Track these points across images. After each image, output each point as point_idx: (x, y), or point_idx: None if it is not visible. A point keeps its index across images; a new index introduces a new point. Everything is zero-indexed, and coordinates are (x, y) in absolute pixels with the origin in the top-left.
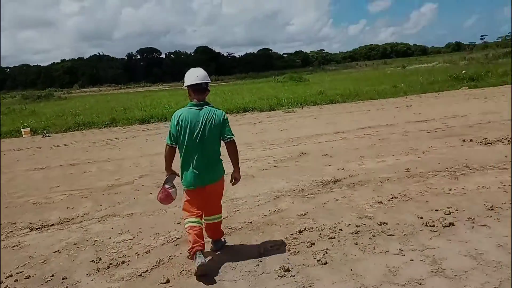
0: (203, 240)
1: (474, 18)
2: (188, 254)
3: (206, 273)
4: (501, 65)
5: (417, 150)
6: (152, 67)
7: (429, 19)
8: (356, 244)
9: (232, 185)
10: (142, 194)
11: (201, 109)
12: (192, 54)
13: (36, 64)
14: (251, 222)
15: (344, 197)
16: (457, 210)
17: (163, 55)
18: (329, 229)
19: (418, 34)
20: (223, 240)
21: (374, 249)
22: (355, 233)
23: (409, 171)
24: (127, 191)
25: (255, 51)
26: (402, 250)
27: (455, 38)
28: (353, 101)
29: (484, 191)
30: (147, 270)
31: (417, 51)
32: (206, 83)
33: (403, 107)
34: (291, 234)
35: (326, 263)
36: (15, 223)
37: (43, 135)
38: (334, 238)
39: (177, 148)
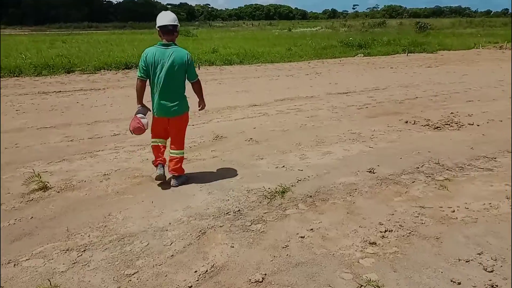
0: (163, 156)
1: None
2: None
3: (163, 181)
4: (378, 34)
5: (361, 135)
6: (8, 7)
7: None
8: None
9: (200, 110)
10: None
11: (167, 48)
12: None
13: None
14: None
15: (311, 229)
16: (483, 250)
17: None
18: None
19: None
20: (185, 176)
21: None
22: None
23: (373, 172)
24: None
25: None
26: None
27: (330, 5)
28: (253, 64)
29: (496, 212)
30: None
31: (297, 15)
32: (173, 26)
33: (313, 74)
34: None
35: None
36: None
37: None
38: None
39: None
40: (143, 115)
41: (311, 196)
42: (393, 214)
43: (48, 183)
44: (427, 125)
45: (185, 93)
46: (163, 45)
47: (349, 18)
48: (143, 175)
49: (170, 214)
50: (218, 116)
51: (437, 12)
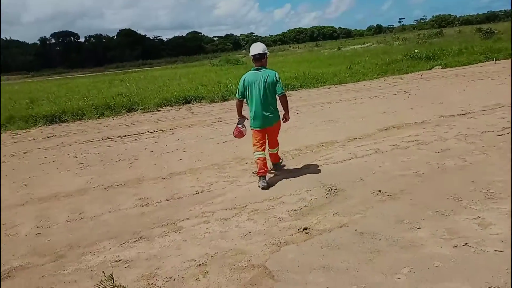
0: (267, 168)
1: (389, 3)
2: (254, 173)
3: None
4: (441, 44)
5: None
6: (70, 52)
7: (348, 4)
8: None
9: (283, 122)
10: None
11: (259, 72)
12: (115, 37)
13: None
14: None
15: None
16: None
17: (82, 39)
18: None
19: (339, 19)
20: (280, 162)
21: None
22: None
23: None
24: None
25: (183, 35)
26: None
27: (373, 21)
28: (318, 87)
29: None
30: None
31: (342, 34)
32: (260, 54)
33: (402, 93)
34: None
35: None
36: None
37: None
38: None
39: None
40: (242, 125)
41: None
42: None
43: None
44: None
45: (277, 106)
46: (255, 69)
47: (397, 32)
48: (253, 264)
49: None
50: (316, 157)
51: (491, 18)
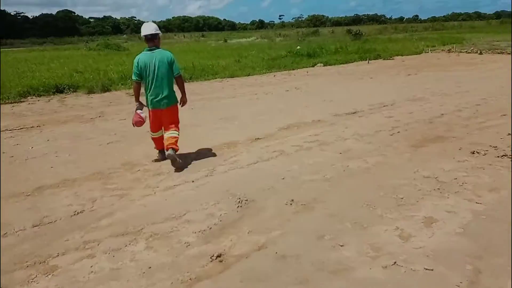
0: (163, 145)
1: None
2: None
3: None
4: (319, 42)
5: (441, 181)
6: None
7: None
8: None
9: (181, 106)
10: None
11: (153, 52)
12: None
13: None
14: None
15: None
16: None
17: None
18: None
19: (223, 10)
20: (177, 150)
21: None
22: None
23: None
24: None
25: (53, 13)
26: None
27: (255, 16)
28: (210, 79)
29: None
30: None
31: (226, 26)
32: (152, 35)
33: (294, 90)
34: None
35: None
36: None
37: None
38: None
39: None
40: (141, 111)
41: None
42: None
43: None
44: (504, 155)
45: (173, 88)
46: (149, 50)
47: (277, 28)
48: None
49: None
50: (220, 161)
51: (357, 20)
